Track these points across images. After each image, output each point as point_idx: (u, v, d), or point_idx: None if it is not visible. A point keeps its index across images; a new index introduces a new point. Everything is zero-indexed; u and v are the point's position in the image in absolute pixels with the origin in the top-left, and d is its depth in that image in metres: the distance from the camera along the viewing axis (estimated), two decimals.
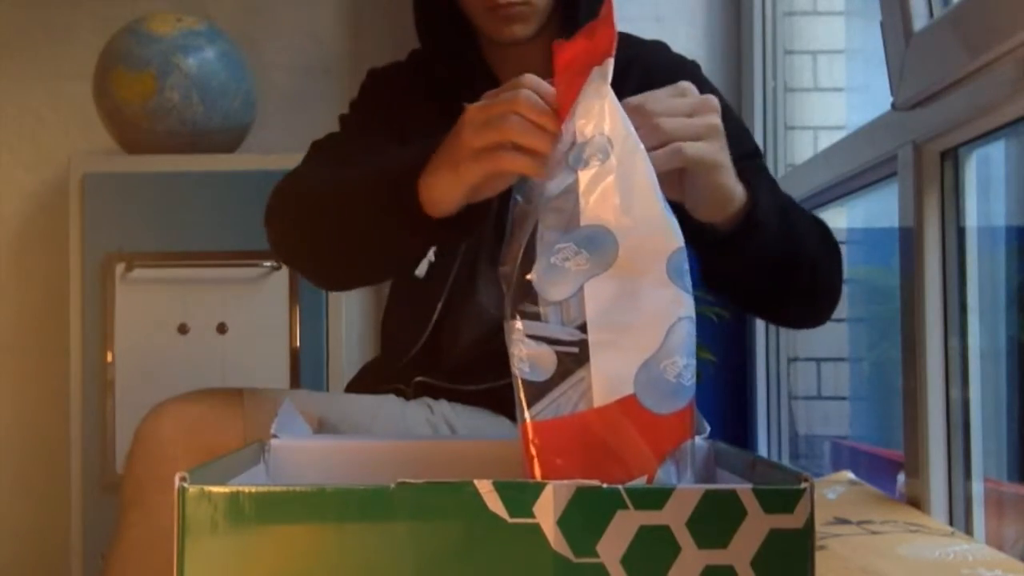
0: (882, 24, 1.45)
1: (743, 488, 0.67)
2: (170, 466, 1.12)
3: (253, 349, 2.13)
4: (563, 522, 0.65)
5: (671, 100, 0.90)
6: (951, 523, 1.33)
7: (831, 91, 2.39)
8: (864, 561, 1.03)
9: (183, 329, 2.13)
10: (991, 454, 1.39)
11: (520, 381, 0.75)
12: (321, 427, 1.17)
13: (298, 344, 2.13)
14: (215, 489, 0.66)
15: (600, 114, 0.77)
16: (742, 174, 1.00)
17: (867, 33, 1.90)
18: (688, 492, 0.66)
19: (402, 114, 1.36)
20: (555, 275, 0.75)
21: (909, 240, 1.40)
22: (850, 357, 2.33)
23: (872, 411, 2.35)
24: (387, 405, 1.27)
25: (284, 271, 2.13)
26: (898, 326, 1.45)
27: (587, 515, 0.66)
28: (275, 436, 0.91)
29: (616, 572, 0.65)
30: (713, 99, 0.93)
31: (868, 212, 2.13)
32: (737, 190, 0.97)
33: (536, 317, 0.75)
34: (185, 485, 0.66)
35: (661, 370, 0.74)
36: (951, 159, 1.37)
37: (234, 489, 0.66)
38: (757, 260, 1.04)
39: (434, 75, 1.38)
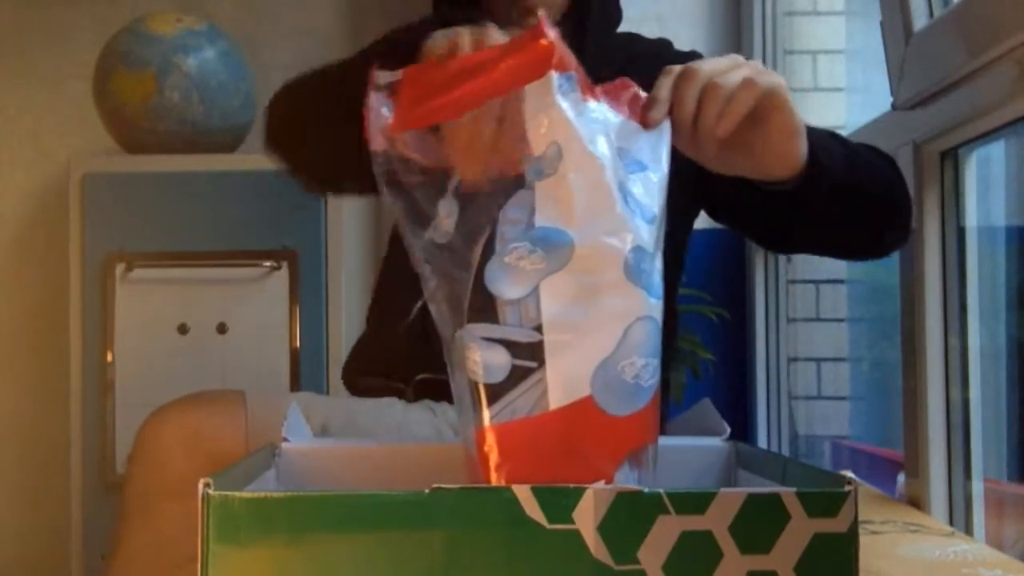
0: (882, 24, 1.45)
1: (786, 492, 0.66)
2: (173, 473, 1.12)
3: (253, 349, 2.13)
4: (603, 528, 0.64)
5: (714, 62, 0.88)
6: (951, 523, 1.33)
7: (831, 91, 2.39)
8: (864, 561, 1.03)
9: (183, 329, 2.13)
10: (991, 454, 1.39)
11: (475, 384, 0.74)
12: (324, 432, 1.17)
13: (298, 344, 2.13)
14: (241, 495, 0.64)
15: (548, 126, 0.76)
16: None
17: (867, 33, 1.90)
18: (731, 496, 0.65)
19: None
20: (509, 274, 0.73)
21: (909, 240, 1.40)
22: (850, 357, 2.33)
23: (872, 411, 2.35)
24: (389, 409, 1.27)
25: (284, 271, 2.13)
26: (898, 326, 1.45)
27: (628, 521, 0.64)
28: (286, 440, 0.90)
29: None
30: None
31: None
32: (803, 129, 0.94)
33: (491, 317, 0.73)
34: (210, 492, 0.64)
35: (619, 371, 0.73)
36: (951, 159, 1.37)
37: (261, 495, 0.64)
38: (833, 197, 1.01)
39: None
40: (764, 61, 2.33)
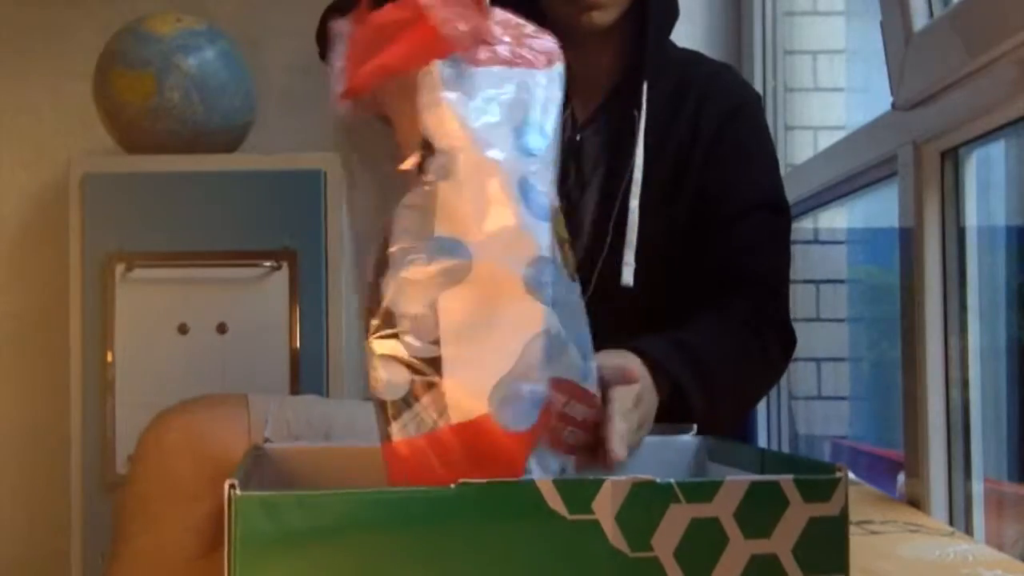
0: (882, 24, 1.45)
1: (785, 479, 0.69)
2: (176, 478, 1.12)
3: (253, 349, 2.13)
4: (620, 517, 0.66)
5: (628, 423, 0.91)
6: (951, 523, 1.33)
7: (831, 91, 2.39)
8: (864, 561, 1.03)
9: (183, 329, 2.13)
10: (991, 454, 1.39)
11: (379, 401, 0.73)
12: (327, 438, 1.16)
13: (298, 344, 2.13)
14: (266, 495, 0.65)
15: (441, 125, 0.74)
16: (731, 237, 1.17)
17: (867, 33, 1.90)
18: (735, 484, 0.68)
19: None
20: (408, 288, 0.72)
21: (909, 240, 1.40)
22: (850, 357, 2.33)
23: (872, 411, 2.35)
24: None
25: (284, 271, 2.13)
26: (898, 326, 1.45)
27: (642, 510, 0.67)
28: (268, 440, 0.90)
29: (670, 565, 0.67)
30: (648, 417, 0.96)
31: (868, 212, 2.13)
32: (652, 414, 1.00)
33: (391, 333, 0.72)
34: (236, 493, 0.64)
35: (517, 388, 0.73)
36: (951, 159, 1.37)
37: (288, 495, 0.65)
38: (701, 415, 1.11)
39: None
40: (764, 61, 2.33)
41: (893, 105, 1.41)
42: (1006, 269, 1.47)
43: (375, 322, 0.73)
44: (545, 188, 0.77)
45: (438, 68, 0.76)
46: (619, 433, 0.85)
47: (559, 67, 0.84)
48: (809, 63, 2.39)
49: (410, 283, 0.73)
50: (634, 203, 1.26)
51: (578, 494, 0.66)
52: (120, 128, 2.23)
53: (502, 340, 0.73)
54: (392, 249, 0.73)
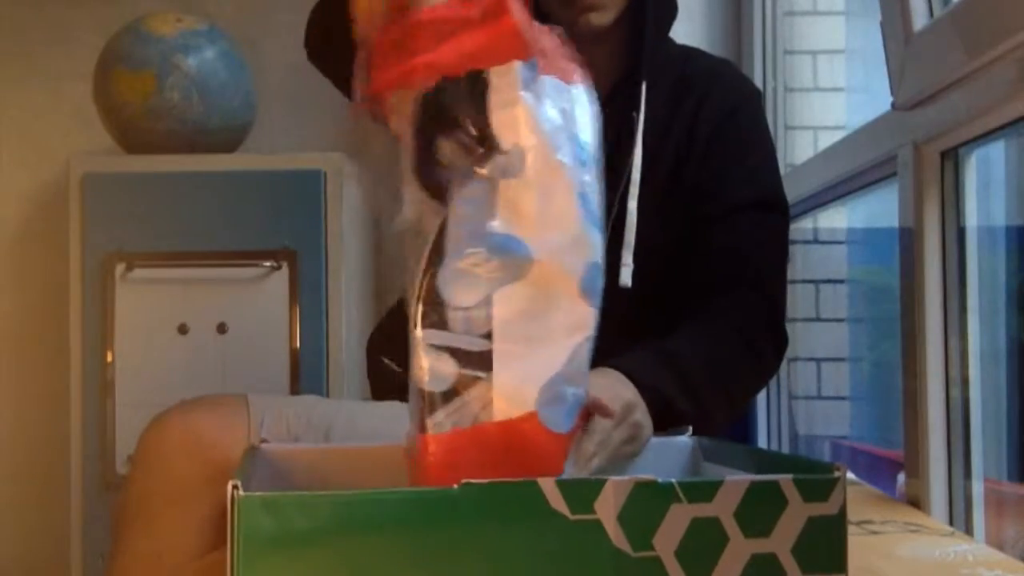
0: (882, 24, 1.45)
1: (784, 479, 0.69)
2: (176, 479, 1.12)
3: (253, 349, 2.13)
4: (622, 517, 0.67)
5: (612, 435, 0.93)
6: (951, 523, 1.33)
7: (831, 91, 2.39)
8: (864, 561, 1.03)
9: (183, 329, 2.13)
10: (991, 454, 1.39)
11: (419, 391, 0.73)
12: (328, 438, 1.16)
13: (298, 344, 2.13)
14: (269, 496, 0.65)
15: (514, 124, 0.74)
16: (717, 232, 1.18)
17: (867, 33, 1.90)
18: (735, 484, 0.69)
19: None
20: (464, 280, 0.72)
21: (909, 240, 1.40)
22: (850, 357, 2.33)
23: (872, 411, 2.35)
24: (390, 412, 1.26)
25: (284, 271, 2.13)
26: (898, 326, 1.45)
27: (644, 510, 0.67)
28: (264, 441, 0.91)
29: (671, 565, 0.67)
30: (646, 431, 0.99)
31: (868, 212, 2.13)
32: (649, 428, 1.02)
33: (442, 323, 0.72)
34: (239, 493, 0.64)
35: (563, 390, 0.73)
36: (951, 159, 1.37)
37: (290, 495, 0.65)
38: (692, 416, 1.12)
39: None
40: (764, 61, 2.33)
41: (893, 105, 1.41)
42: (1006, 269, 1.47)
43: (423, 309, 0.72)
44: (598, 199, 0.78)
45: (518, 68, 0.75)
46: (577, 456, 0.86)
47: (590, 82, 0.84)
48: (809, 63, 2.39)
49: (466, 275, 0.72)
50: (632, 204, 1.26)
51: (580, 494, 0.66)
52: (120, 128, 2.23)
53: (554, 341, 0.73)
54: (448, 240, 0.72)
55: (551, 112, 0.77)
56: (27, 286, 2.55)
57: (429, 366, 0.73)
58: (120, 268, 2.13)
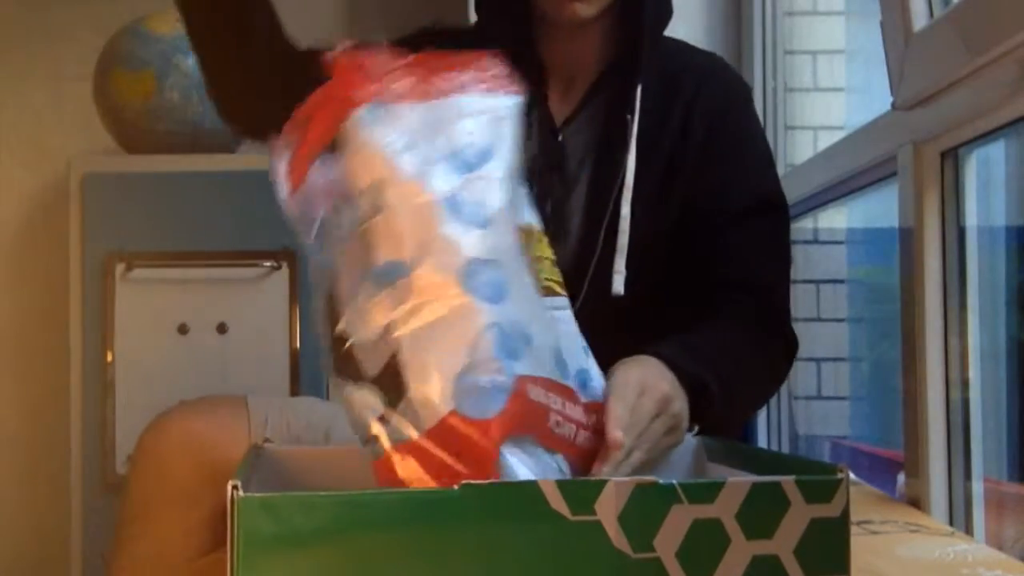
0: (882, 24, 1.44)
1: (787, 480, 0.69)
2: (176, 482, 1.12)
3: (253, 349, 2.13)
4: (623, 518, 0.67)
5: (651, 426, 0.93)
6: (951, 523, 1.33)
7: (831, 91, 2.39)
8: (864, 561, 1.03)
9: (183, 329, 2.13)
10: (991, 454, 1.39)
11: (353, 424, 0.77)
12: (328, 439, 1.16)
13: (298, 344, 2.13)
14: (269, 497, 0.65)
15: (365, 163, 0.79)
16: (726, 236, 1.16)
17: (867, 33, 1.90)
18: (737, 485, 0.69)
19: None
20: (363, 318, 0.76)
21: (909, 240, 1.40)
22: (850, 357, 2.33)
23: (872, 411, 2.35)
24: None
25: (284, 271, 2.13)
26: (898, 326, 1.45)
27: (645, 511, 0.67)
28: (268, 441, 0.91)
29: (672, 567, 0.67)
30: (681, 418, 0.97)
31: (868, 212, 2.13)
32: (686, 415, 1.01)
33: (354, 366, 0.76)
34: (239, 494, 0.64)
35: (475, 379, 0.75)
36: (951, 159, 1.37)
37: (290, 496, 0.65)
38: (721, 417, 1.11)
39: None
40: (764, 61, 2.33)
41: (893, 105, 1.41)
42: (1006, 269, 1.47)
43: (335, 357, 0.77)
44: (480, 199, 0.80)
45: (355, 116, 0.81)
46: (615, 416, 0.85)
47: (507, 93, 0.88)
48: (809, 63, 2.38)
49: (362, 313, 0.76)
50: (625, 209, 1.23)
51: (581, 495, 0.66)
52: (120, 128, 2.23)
53: (452, 340, 0.75)
54: (341, 292, 0.78)
55: (410, 137, 0.81)
56: (27, 286, 2.55)
57: (356, 402, 0.76)
58: (120, 268, 2.13)
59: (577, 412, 0.83)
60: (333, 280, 0.79)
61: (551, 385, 0.80)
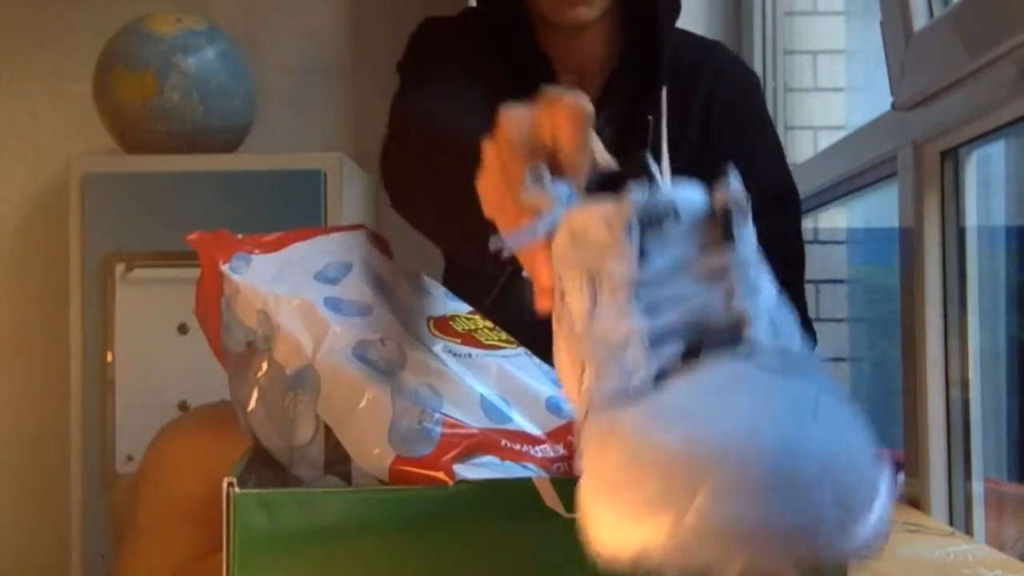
0: (882, 24, 1.44)
1: None
2: (183, 496, 1.11)
3: None
4: None
5: None
6: (951, 523, 1.33)
7: (831, 91, 2.39)
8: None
9: (183, 329, 2.13)
10: (991, 454, 1.39)
11: None
12: None
13: None
14: (265, 493, 0.65)
15: (248, 301, 0.86)
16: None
17: (867, 33, 1.90)
18: None
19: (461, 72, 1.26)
20: (293, 423, 0.80)
21: (909, 240, 1.40)
22: (850, 357, 2.33)
23: (872, 411, 2.35)
24: None
25: None
26: (898, 326, 1.45)
27: None
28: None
29: None
30: None
31: (868, 212, 2.13)
32: None
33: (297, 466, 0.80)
34: (234, 490, 0.64)
35: (404, 425, 0.77)
36: (951, 159, 1.37)
37: (286, 493, 0.65)
38: None
39: (484, 52, 1.30)
40: (764, 61, 2.33)
41: (893, 105, 1.41)
42: (1006, 269, 1.47)
43: (288, 470, 0.81)
44: (356, 298, 0.89)
45: (224, 269, 0.89)
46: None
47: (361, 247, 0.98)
48: (809, 63, 2.39)
49: (287, 421, 0.80)
50: None
51: (575, 492, 0.66)
52: (120, 128, 2.23)
53: (362, 419, 0.78)
54: (249, 408, 0.84)
55: (278, 269, 0.90)
56: (27, 286, 2.56)
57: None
58: (120, 268, 2.13)
59: (531, 447, 0.84)
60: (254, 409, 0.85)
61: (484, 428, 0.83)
